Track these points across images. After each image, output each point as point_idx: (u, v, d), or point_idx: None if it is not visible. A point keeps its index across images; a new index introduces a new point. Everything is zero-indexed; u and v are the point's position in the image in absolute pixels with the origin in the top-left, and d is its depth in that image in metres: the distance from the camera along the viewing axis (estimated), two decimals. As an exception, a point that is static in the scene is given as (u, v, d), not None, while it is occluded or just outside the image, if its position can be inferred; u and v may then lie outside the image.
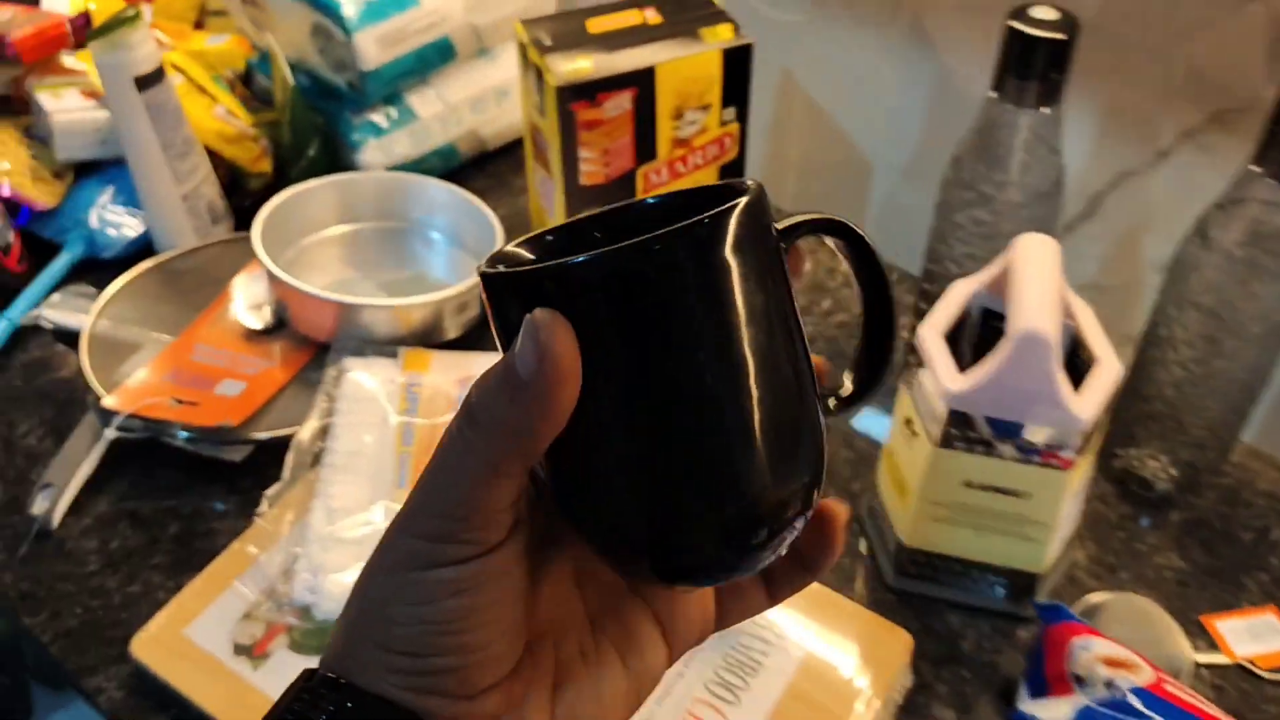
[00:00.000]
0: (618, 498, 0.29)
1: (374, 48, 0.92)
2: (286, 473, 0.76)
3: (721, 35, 0.79)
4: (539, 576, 0.32)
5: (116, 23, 0.83)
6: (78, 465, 0.77)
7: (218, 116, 0.97)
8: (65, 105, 0.96)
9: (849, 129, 0.95)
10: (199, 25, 1.11)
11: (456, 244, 0.98)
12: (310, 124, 0.95)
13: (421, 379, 0.82)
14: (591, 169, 0.80)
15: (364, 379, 0.81)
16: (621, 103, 0.77)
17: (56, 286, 0.93)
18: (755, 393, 0.28)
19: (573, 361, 0.26)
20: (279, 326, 0.89)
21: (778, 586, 0.34)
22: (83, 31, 1.03)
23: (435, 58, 0.98)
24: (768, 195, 0.30)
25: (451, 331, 0.89)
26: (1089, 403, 0.61)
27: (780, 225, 0.30)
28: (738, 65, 0.80)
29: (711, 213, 0.27)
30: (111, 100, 0.87)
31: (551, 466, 0.29)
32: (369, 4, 0.91)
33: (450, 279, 0.95)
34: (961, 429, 0.64)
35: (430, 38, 0.96)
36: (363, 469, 0.76)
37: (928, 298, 0.80)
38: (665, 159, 0.82)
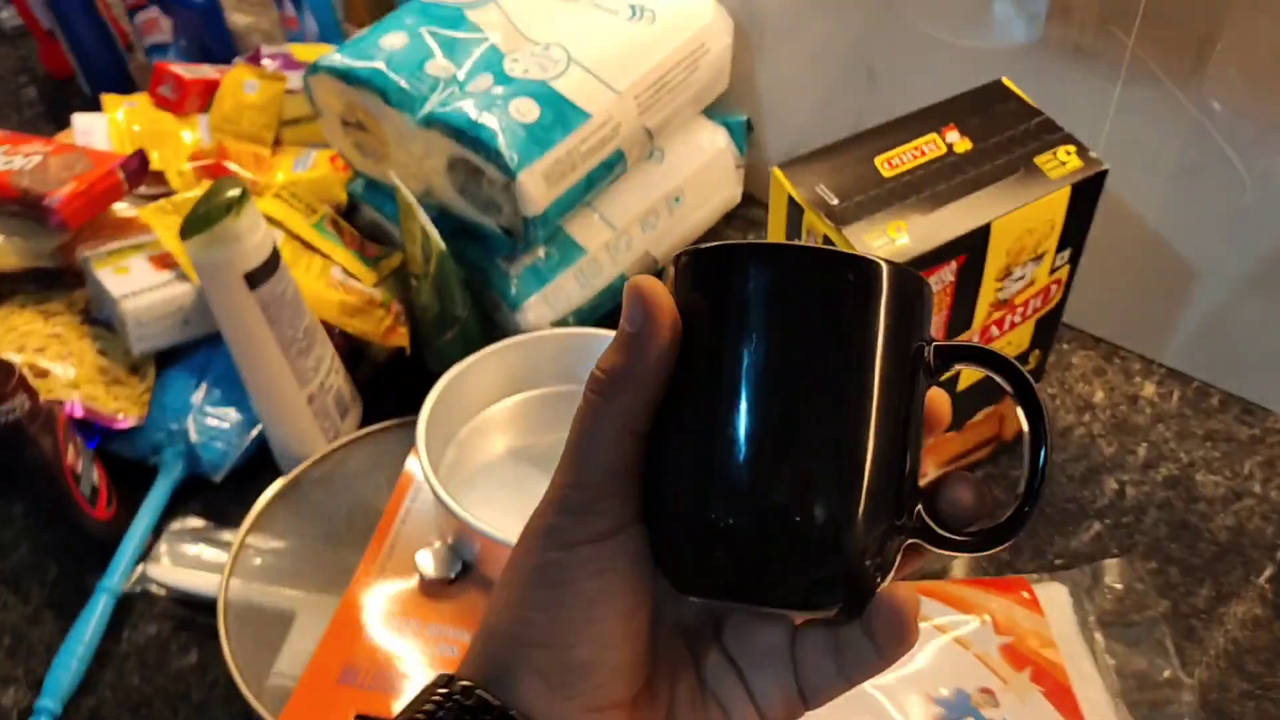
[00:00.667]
0: (666, 468, 0.29)
1: (540, 186, 0.70)
2: None
3: (1066, 164, 0.57)
4: (661, 614, 0.31)
5: (217, 210, 0.61)
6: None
7: (335, 283, 0.75)
8: (134, 284, 0.75)
9: (1155, 219, 0.74)
10: (276, 143, 0.88)
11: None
12: (457, 282, 0.73)
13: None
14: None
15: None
16: (945, 276, 0.56)
17: (158, 528, 0.72)
18: (807, 422, 0.28)
19: (671, 312, 0.28)
20: (464, 572, 0.68)
21: (849, 668, 0.30)
22: (138, 174, 0.81)
23: (604, 176, 0.76)
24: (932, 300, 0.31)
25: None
26: None
27: (940, 343, 0.30)
28: (1085, 199, 0.58)
29: (893, 264, 0.28)
30: (216, 303, 0.65)
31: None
32: (529, 129, 0.69)
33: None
34: None
35: (602, 156, 0.74)
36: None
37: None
38: (978, 327, 0.61)
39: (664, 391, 0.28)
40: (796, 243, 0.30)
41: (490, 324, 0.77)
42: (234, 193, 0.61)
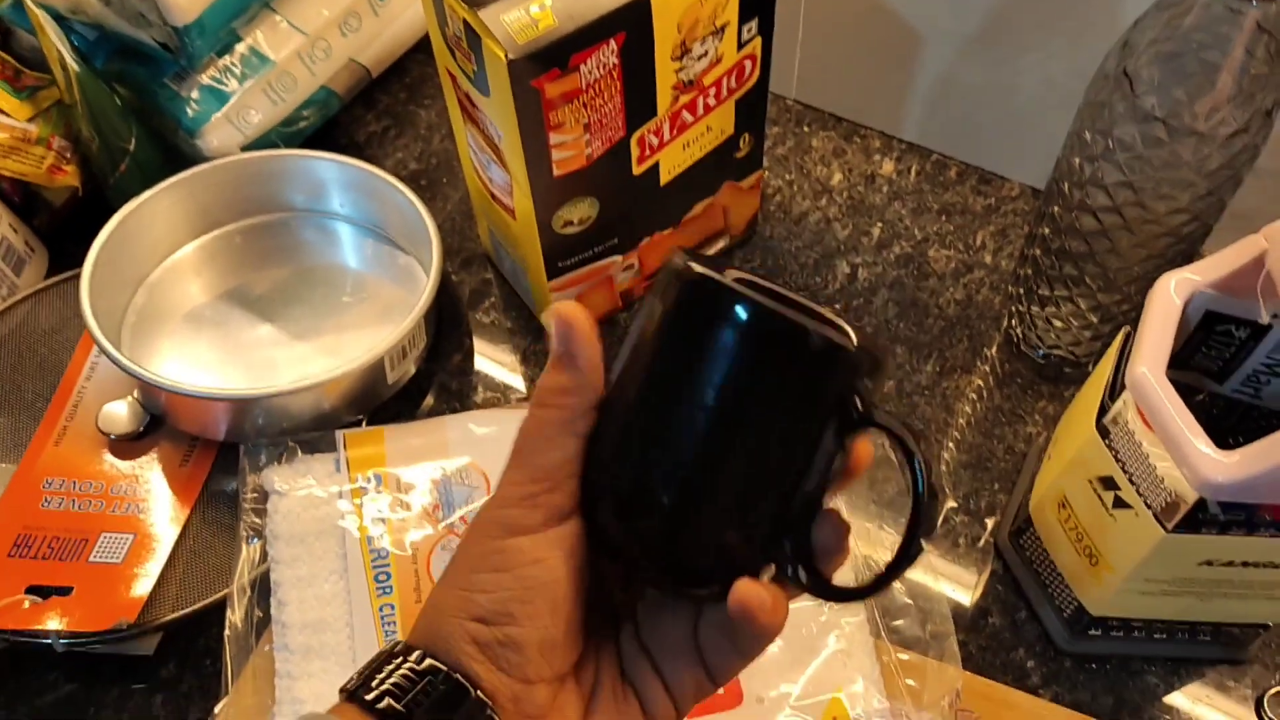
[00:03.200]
0: (603, 464, 0.32)
1: (186, -10, 0.61)
2: (226, 681, 0.53)
3: (732, -79, 0.52)
4: (590, 605, 0.34)
5: None
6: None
7: (-22, 120, 0.66)
8: None
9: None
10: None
11: (365, 228, 0.71)
12: (115, 109, 0.65)
13: (379, 481, 0.58)
14: (568, 155, 0.54)
15: (299, 499, 0.57)
16: (605, 59, 0.51)
17: None
18: (732, 465, 0.31)
19: (590, 335, 0.32)
20: (153, 424, 0.63)
21: (742, 645, 0.34)
22: None
23: (276, -25, 0.68)
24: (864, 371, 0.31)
25: (407, 371, 0.64)
26: None
27: (860, 410, 0.31)
28: (760, -39, 0.53)
29: (837, 342, 0.30)
30: None
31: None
32: (163, -77, 0.60)
33: (366, 271, 0.70)
34: (1214, 514, 0.44)
35: (265, -48, 0.65)
36: (333, 647, 0.54)
37: (1055, 227, 0.58)
38: (666, 114, 0.57)
39: (599, 396, 0.32)
40: (756, 295, 0.29)
41: (175, 155, 0.70)
42: None
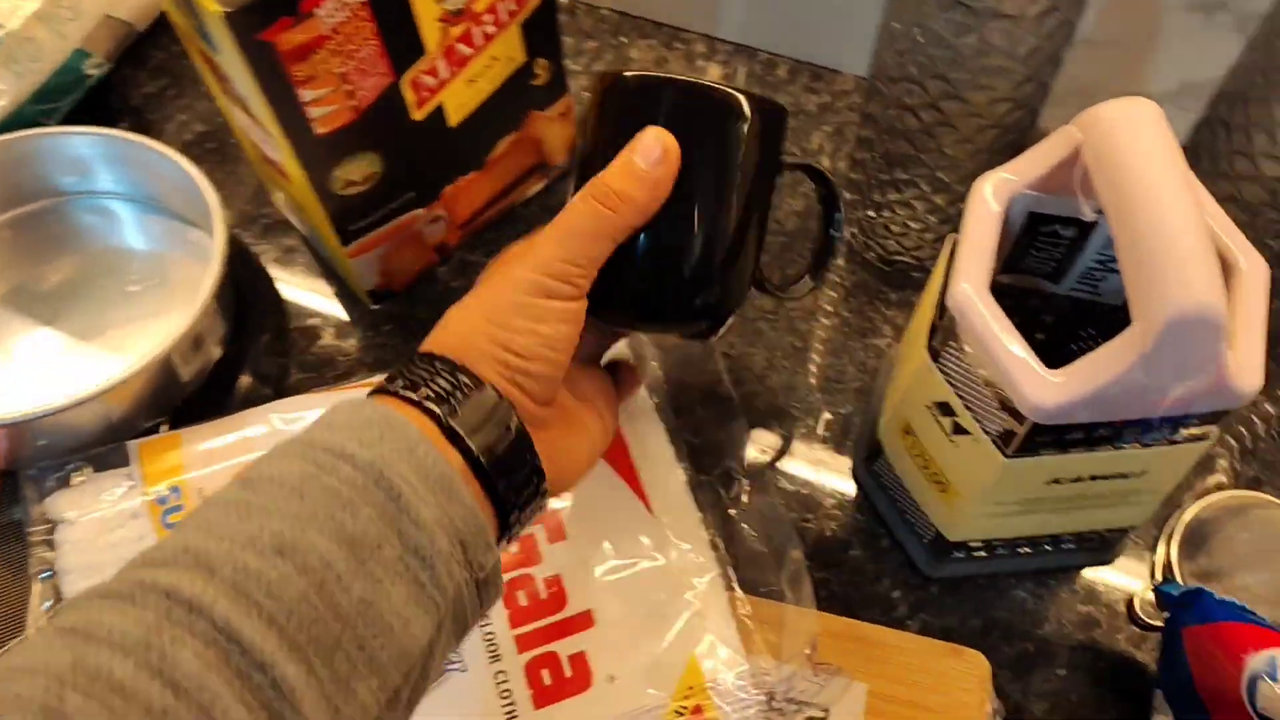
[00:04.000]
0: (626, 260, 0.41)
1: None
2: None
3: None
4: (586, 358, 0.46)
5: None
6: None
7: None
8: None
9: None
10: None
11: (144, 204, 0.64)
12: None
13: (180, 488, 0.53)
14: (329, 110, 0.48)
15: (91, 525, 0.52)
16: (343, -2, 0.44)
17: None
18: (723, 217, 0.42)
19: (675, 170, 0.40)
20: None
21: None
22: None
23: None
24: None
25: (209, 357, 0.58)
26: (1252, 367, 0.39)
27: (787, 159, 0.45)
28: None
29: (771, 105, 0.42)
30: None
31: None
32: None
33: (155, 251, 0.63)
34: (1051, 435, 0.41)
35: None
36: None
37: (877, 128, 0.53)
38: (437, 50, 0.50)
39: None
40: (693, 80, 0.41)
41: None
42: None
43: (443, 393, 0.36)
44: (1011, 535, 0.50)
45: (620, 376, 0.49)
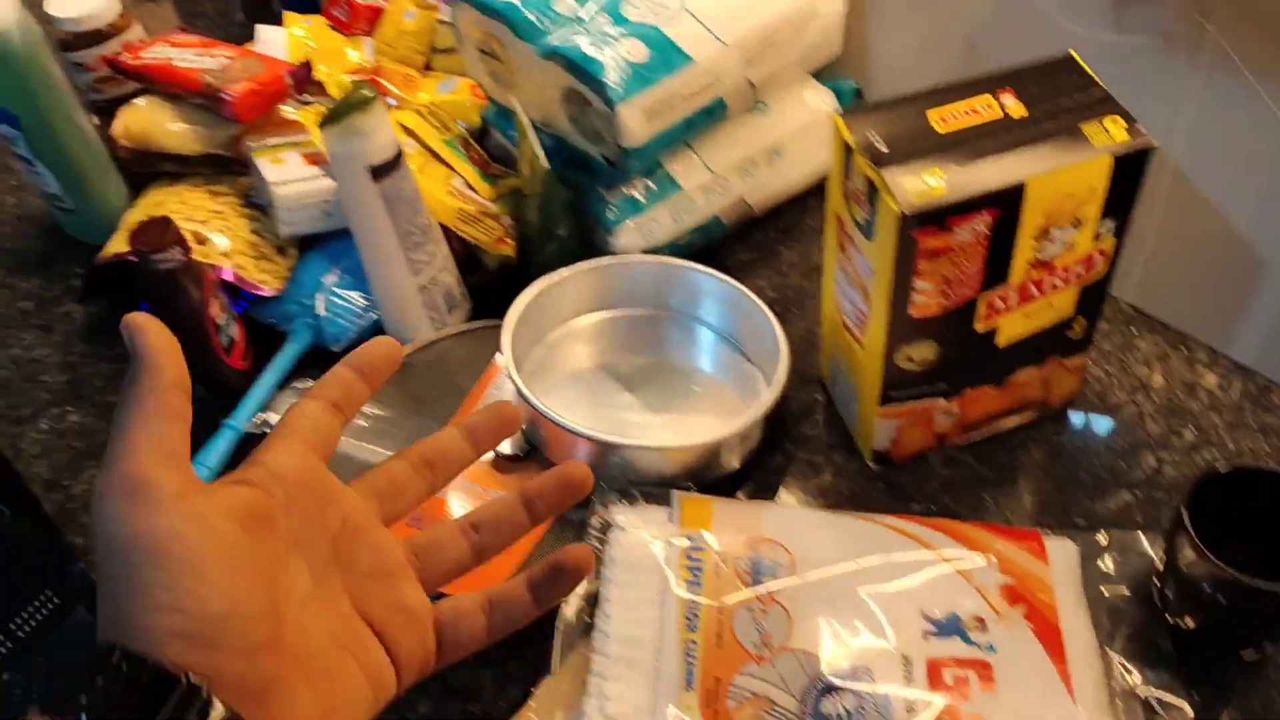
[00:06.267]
0: None
1: (639, 121, 0.77)
2: (555, 662, 0.64)
3: (1112, 134, 0.61)
4: (285, 577, 0.36)
5: (350, 108, 0.70)
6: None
7: (456, 192, 0.84)
8: (288, 174, 0.85)
9: (1233, 211, 0.75)
10: (427, 68, 0.98)
11: (723, 337, 0.83)
12: (561, 202, 0.81)
13: (704, 540, 0.68)
14: (926, 300, 0.64)
15: (636, 536, 0.68)
16: (977, 226, 0.60)
17: (282, 384, 0.83)
18: None
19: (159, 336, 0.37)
20: (531, 452, 0.76)
21: (497, 625, 0.44)
22: (303, 82, 0.92)
23: (705, 122, 0.83)
24: None
25: (733, 463, 0.75)
26: None
27: None
28: (1130, 173, 0.62)
29: None
30: (345, 190, 0.75)
31: None
32: (635, 68, 0.76)
33: (716, 372, 0.82)
34: None
35: (703, 102, 0.80)
36: (641, 662, 0.63)
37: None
38: (1017, 283, 0.65)
39: None
40: None
41: (588, 245, 0.85)
42: (366, 94, 0.71)
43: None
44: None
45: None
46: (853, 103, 0.94)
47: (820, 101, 0.91)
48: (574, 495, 0.46)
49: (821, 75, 0.92)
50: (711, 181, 0.86)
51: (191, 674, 0.31)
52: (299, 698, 0.34)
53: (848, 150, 0.62)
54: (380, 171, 0.74)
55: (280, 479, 0.38)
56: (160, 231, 0.75)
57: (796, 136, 0.90)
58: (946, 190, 0.59)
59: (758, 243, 0.93)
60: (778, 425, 0.79)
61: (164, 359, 0.36)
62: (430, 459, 0.45)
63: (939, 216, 0.59)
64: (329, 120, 0.71)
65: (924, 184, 0.59)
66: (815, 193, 0.94)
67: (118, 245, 0.86)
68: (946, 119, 0.62)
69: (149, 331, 0.36)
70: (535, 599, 0.44)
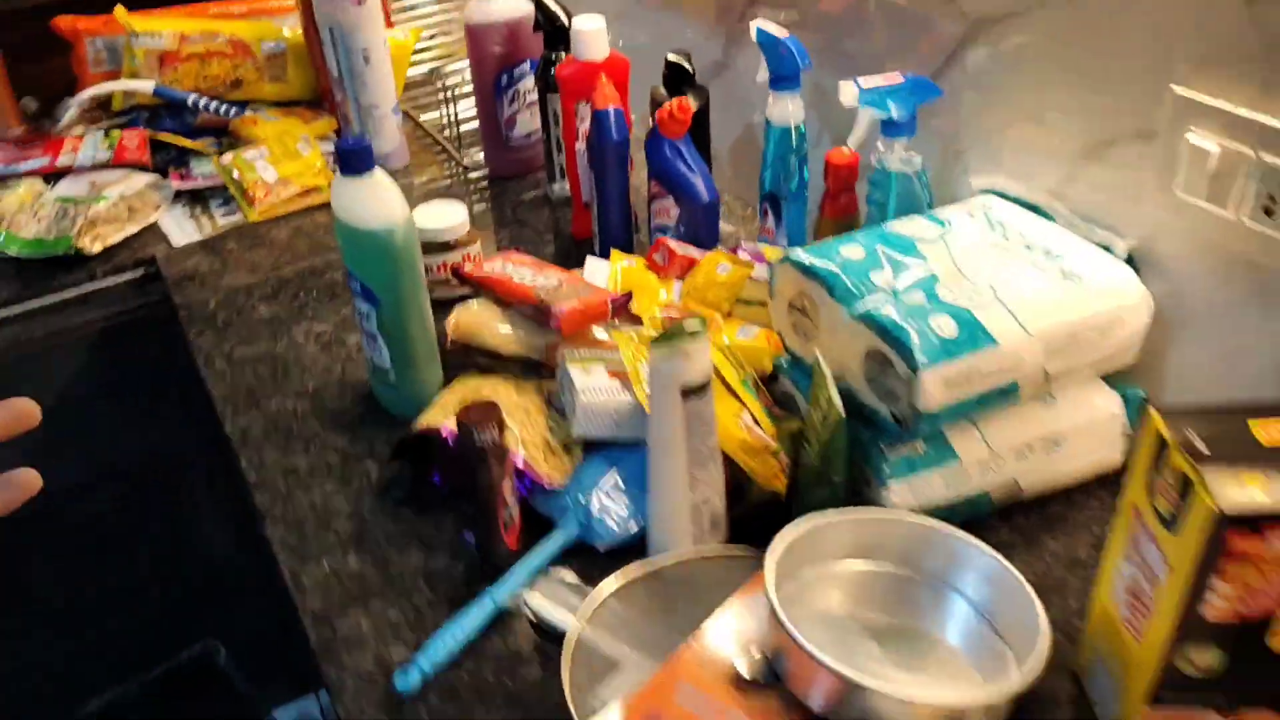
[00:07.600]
0: None
1: (939, 388, 0.81)
2: None
3: None
4: None
5: (682, 333, 0.78)
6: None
7: (744, 425, 0.89)
8: (593, 384, 0.94)
9: None
10: (729, 314, 1.07)
11: (978, 613, 0.82)
12: (843, 451, 0.85)
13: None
14: (1223, 604, 0.62)
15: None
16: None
17: (544, 569, 0.88)
18: None
19: None
20: (771, 679, 0.77)
21: None
22: (620, 310, 1.02)
23: (997, 401, 0.86)
24: None
25: (968, 729, 0.72)
26: None
27: None
28: None
29: None
30: (655, 402, 0.82)
31: None
32: (942, 340, 0.81)
33: (965, 649, 0.80)
34: None
35: (999, 382, 0.84)
36: None
37: None
38: (1323, 609, 0.63)
39: None
40: None
41: (858, 496, 0.88)
42: (698, 325, 0.79)
43: None
44: None
45: None
46: (1141, 411, 0.95)
47: (1108, 404, 0.92)
48: None
49: (1109, 379, 0.94)
50: (989, 458, 0.88)
51: None
52: None
53: (1162, 443, 0.64)
54: (690, 392, 0.80)
55: None
56: (486, 411, 0.83)
57: (1078, 432, 0.91)
58: (1268, 500, 0.59)
59: (1021, 526, 0.93)
60: (1023, 707, 0.77)
61: None
62: None
63: (1255, 522, 0.59)
64: (661, 340, 0.79)
65: (1248, 493, 0.59)
66: (1084, 489, 0.94)
67: (432, 418, 0.96)
68: (1272, 433, 0.63)
69: None
70: None
